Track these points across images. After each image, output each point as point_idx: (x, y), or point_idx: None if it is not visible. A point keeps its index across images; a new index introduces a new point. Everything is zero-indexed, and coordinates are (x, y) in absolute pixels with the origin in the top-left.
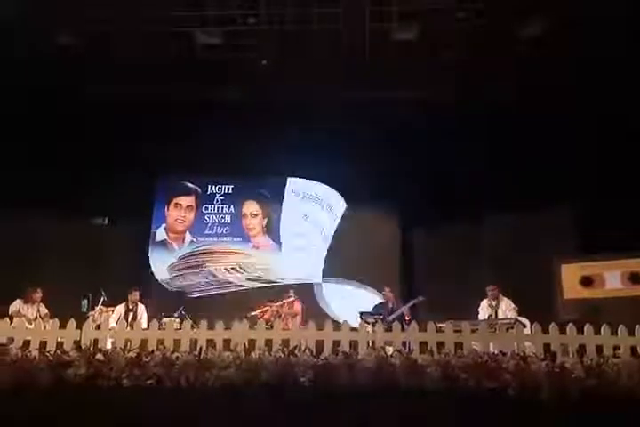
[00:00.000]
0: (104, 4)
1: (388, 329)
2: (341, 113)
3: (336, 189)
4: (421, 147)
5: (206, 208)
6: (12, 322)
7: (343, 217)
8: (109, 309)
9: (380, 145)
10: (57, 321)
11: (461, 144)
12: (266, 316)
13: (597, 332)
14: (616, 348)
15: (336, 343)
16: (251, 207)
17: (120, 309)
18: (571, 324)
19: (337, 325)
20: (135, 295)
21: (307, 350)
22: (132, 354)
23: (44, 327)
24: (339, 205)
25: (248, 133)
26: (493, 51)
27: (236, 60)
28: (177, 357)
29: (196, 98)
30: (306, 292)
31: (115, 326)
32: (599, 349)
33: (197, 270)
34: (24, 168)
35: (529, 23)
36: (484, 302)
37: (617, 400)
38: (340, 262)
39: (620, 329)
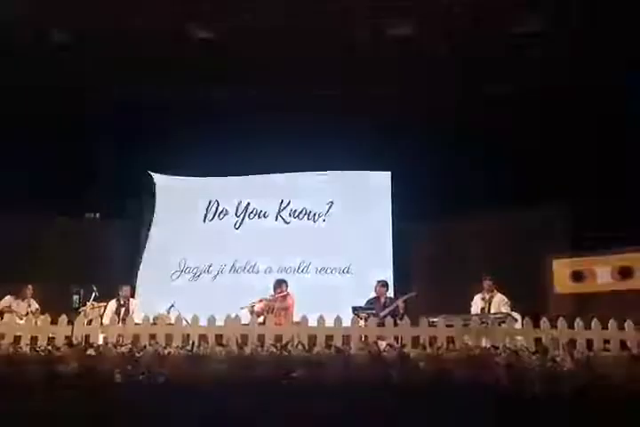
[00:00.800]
0: (105, 3)
1: (381, 324)
2: (341, 110)
3: (335, 185)
4: (419, 144)
5: None
6: (2, 318)
7: (337, 213)
8: (101, 304)
9: (377, 142)
10: (48, 317)
11: (459, 141)
12: (257, 309)
13: (588, 326)
14: (606, 342)
15: (329, 338)
16: None
17: (112, 304)
18: (561, 318)
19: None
20: (126, 291)
21: (299, 345)
22: (124, 349)
23: (35, 323)
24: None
25: (245, 131)
26: (492, 48)
27: (234, 57)
28: (169, 352)
29: (192, 96)
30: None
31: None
32: (589, 343)
33: None
34: (22, 167)
35: (528, 20)
36: (478, 296)
37: (607, 394)
38: (334, 258)
39: (610, 323)
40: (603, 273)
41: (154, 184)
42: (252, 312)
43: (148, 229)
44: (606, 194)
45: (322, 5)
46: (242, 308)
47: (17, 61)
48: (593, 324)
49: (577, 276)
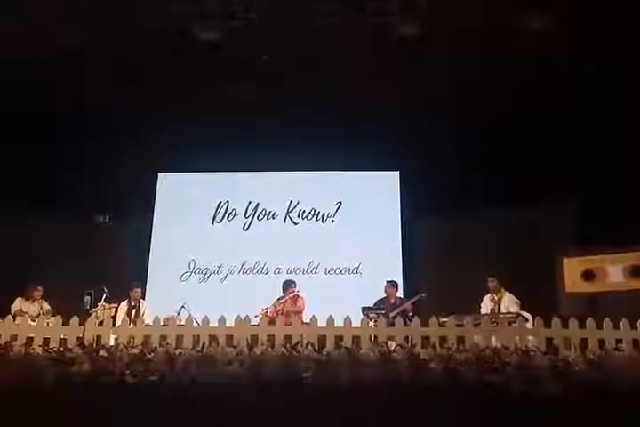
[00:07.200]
0: (104, 3)
1: (391, 324)
2: (348, 110)
3: (343, 185)
4: (428, 143)
5: None
6: (15, 320)
7: (346, 214)
8: (112, 305)
9: (385, 142)
10: (60, 318)
11: (462, 140)
12: (270, 314)
13: (599, 325)
14: (618, 341)
15: (338, 339)
16: None
17: (124, 305)
18: (573, 318)
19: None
20: (137, 292)
21: (309, 346)
22: (135, 350)
23: (47, 324)
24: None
25: (248, 131)
26: (493, 48)
27: (237, 57)
28: (180, 353)
29: (196, 95)
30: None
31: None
32: (601, 342)
33: None
34: (24, 168)
35: (529, 21)
36: (487, 297)
37: (619, 394)
38: (343, 258)
39: (622, 323)
40: (615, 272)
41: (164, 185)
42: (265, 315)
43: (158, 231)
44: (618, 192)
45: (323, 4)
46: (255, 316)
47: (17, 61)
48: (605, 323)
49: (588, 275)
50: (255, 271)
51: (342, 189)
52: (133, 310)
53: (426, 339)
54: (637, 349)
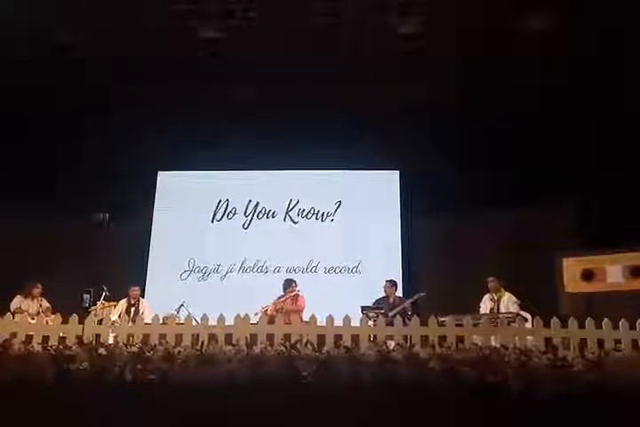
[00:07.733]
0: (104, 3)
1: (390, 323)
2: (348, 109)
3: (343, 184)
4: (428, 142)
5: None
6: (14, 318)
7: (345, 213)
8: (111, 304)
9: (379, 141)
10: (59, 316)
11: (462, 140)
12: (270, 312)
13: (599, 326)
14: (617, 341)
15: (338, 337)
16: None
17: (123, 303)
18: (572, 318)
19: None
20: (135, 291)
21: (308, 345)
22: (135, 349)
23: (46, 322)
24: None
25: (248, 130)
26: (493, 48)
27: (237, 57)
28: (179, 351)
29: (196, 95)
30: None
31: (116, 320)
32: (600, 342)
33: None
34: (24, 167)
35: (529, 21)
36: (486, 297)
37: (618, 394)
38: (343, 257)
39: (621, 323)
40: (614, 272)
41: (164, 184)
42: (265, 313)
43: (158, 229)
44: (618, 192)
45: (323, 4)
46: (255, 314)
47: (17, 61)
48: (604, 323)
49: (587, 275)
50: (255, 270)
51: (342, 188)
52: (132, 309)
53: (425, 338)
54: (636, 349)
